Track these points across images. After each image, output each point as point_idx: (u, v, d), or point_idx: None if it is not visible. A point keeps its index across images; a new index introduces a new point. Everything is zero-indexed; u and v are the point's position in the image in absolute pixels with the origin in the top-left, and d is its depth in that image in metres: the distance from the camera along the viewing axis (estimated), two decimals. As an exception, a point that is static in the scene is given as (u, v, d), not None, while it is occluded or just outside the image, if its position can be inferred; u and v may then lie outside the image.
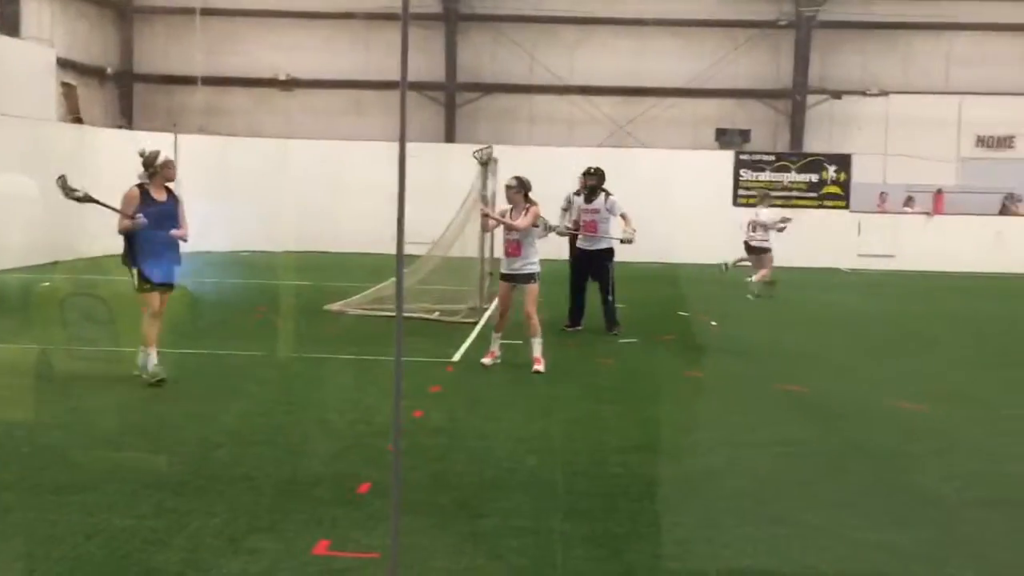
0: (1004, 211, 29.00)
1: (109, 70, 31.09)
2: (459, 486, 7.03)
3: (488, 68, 31.77)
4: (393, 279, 16.30)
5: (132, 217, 9.79)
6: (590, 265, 14.57)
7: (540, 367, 11.27)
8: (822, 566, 5.72)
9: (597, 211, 14.52)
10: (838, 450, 8.37)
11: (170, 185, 10.28)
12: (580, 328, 14.56)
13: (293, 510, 6.38)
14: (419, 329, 14.11)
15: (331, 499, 6.62)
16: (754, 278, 19.77)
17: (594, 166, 14.91)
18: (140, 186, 10.05)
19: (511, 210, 11.66)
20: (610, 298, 14.43)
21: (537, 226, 11.58)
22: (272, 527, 6.08)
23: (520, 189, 11.63)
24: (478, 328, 14.29)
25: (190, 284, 14.85)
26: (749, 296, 19.34)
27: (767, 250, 19.85)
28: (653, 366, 12.17)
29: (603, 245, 14.54)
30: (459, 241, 16.24)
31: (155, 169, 10.05)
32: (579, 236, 14.59)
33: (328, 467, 7.44)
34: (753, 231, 19.97)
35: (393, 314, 14.62)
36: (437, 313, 15.28)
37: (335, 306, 15.85)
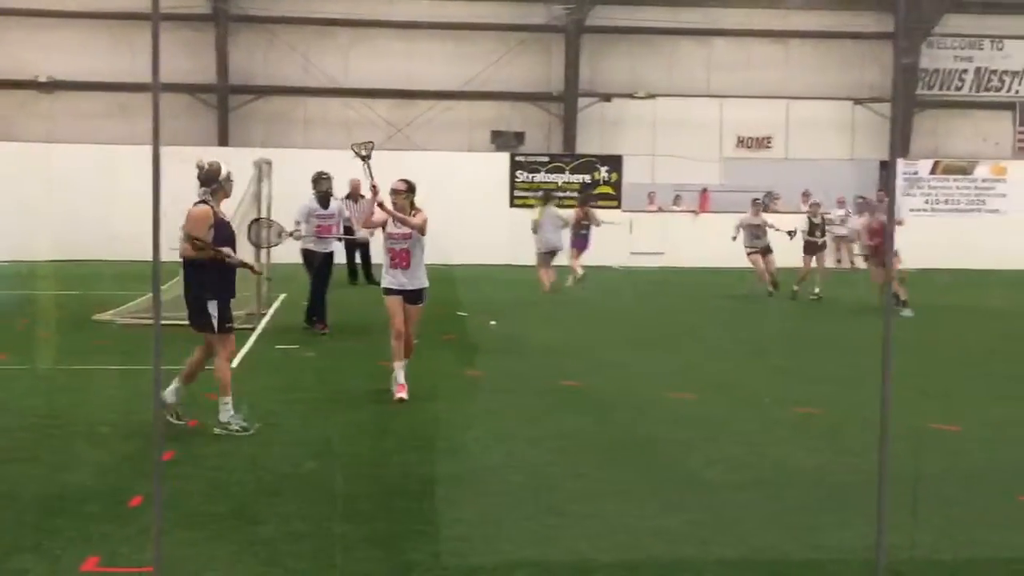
0: (764, 208, 30.43)
1: None
2: (236, 494, 6.91)
3: (261, 70, 31.21)
4: (166, 286, 15.86)
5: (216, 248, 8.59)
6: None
7: (404, 394, 9.98)
8: (596, 554, 5.89)
9: (332, 215, 15.02)
10: (611, 441, 8.63)
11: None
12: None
13: (60, 527, 6.12)
14: (195, 336, 13.72)
15: (101, 514, 6.39)
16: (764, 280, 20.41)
17: (324, 171, 15.32)
18: (204, 203, 8.77)
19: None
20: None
21: (424, 233, 10.60)
22: (37, 546, 5.83)
23: (409, 194, 10.75)
24: (256, 334, 14.05)
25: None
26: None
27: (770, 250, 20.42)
28: (433, 366, 12.21)
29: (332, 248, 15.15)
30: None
31: (219, 184, 8.88)
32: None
33: (98, 481, 7.17)
34: (756, 236, 20.56)
35: (166, 322, 14.29)
36: (212, 320, 14.89)
37: (104, 315, 15.26)
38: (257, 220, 13.57)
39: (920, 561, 5.83)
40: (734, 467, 7.81)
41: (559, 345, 14.09)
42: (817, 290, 19.82)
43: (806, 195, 30.28)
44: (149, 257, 4.27)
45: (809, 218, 21.20)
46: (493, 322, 15.97)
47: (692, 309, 19.45)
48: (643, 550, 6.00)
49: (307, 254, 14.85)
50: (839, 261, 29.41)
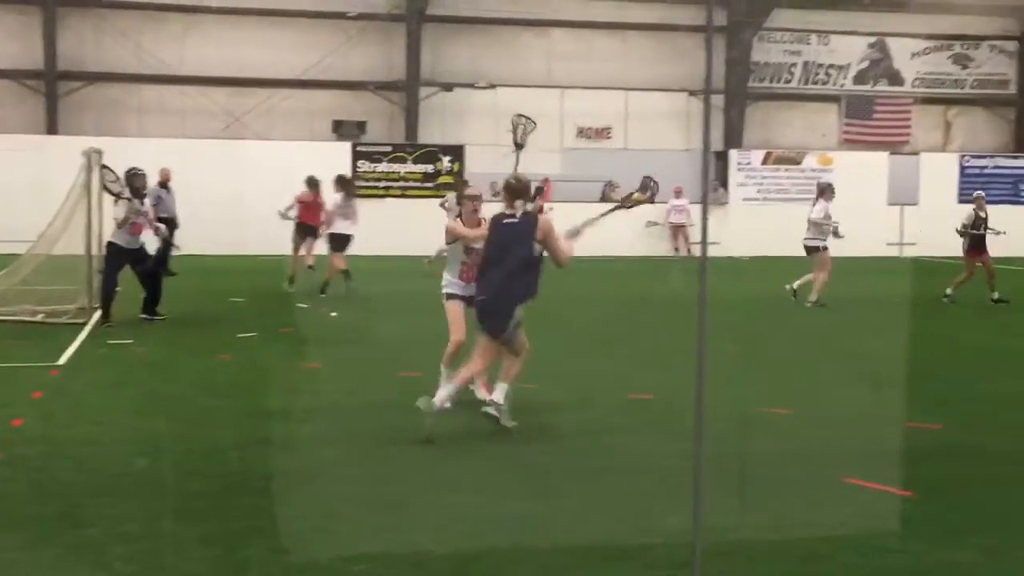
0: (604, 198, 30.90)
1: None
2: (63, 496, 6.68)
3: (92, 57, 30.18)
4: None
5: None
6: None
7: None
8: (435, 545, 5.90)
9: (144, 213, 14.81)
10: (451, 432, 8.61)
11: None
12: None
13: None
14: (21, 332, 13.32)
15: (-84, 521, 6.11)
16: (797, 283, 18.04)
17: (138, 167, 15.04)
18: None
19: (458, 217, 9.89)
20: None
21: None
22: None
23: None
24: (87, 329, 13.61)
25: None
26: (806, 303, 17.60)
27: (816, 249, 18.06)
28: (272, 359, 12.06)
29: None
30: (64, 238, 15.38)
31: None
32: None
33: (-88, 486, 6.85)
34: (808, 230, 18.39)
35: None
36: (41, 315, 14.42)
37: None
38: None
39: (747, 542, 6.02)
40: (571, 455, 7.92)
41: (401, 336, 14.03)
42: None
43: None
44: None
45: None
46: (334, 313, 15.83)
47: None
48: (481, 540, 6.04)
49: (121, 249, 14.46)
50: (676, 249, 30.15)
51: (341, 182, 19.53)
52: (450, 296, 9.70)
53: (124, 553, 5.67)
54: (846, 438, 8.63)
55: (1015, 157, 33.56)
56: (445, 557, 5.74)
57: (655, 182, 9.99)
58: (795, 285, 17.91)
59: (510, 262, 8.54)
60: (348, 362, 11.93)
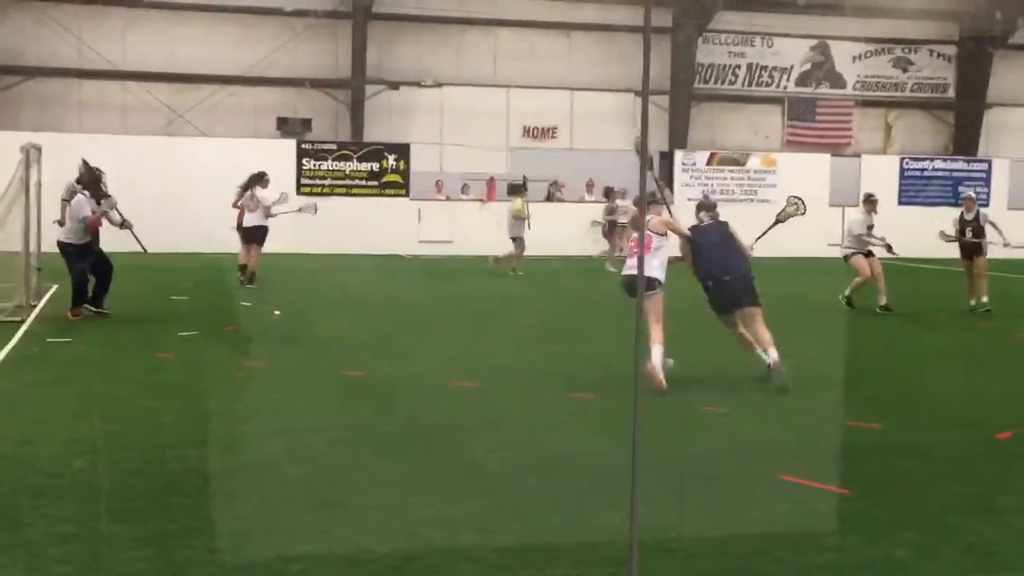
0: (550, 197, 31.01)
1: None
2: (-3, 496, 6.59)
3: (32, 51, 29.79)
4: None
5: None
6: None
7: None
8: (374, 545, 5.88)
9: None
10: (393, 431, 8.63)
11: None
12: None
13: None
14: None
15: None
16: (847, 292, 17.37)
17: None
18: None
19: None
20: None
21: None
22: None
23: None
24: (25, 327, 13.42)
25: None
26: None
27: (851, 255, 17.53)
28: (213, 358, 11.97)
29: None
30: (2, 234, 15.15)
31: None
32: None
33: None
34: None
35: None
36: (-24, 313, 14.20)
37: None
38: None
39: (688, 539, 6.06)
40: (514, 454, 7.93)
41: (344, 335, 14.00)
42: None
43: (590, 185, 31.01)
44: None
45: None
46: (277, 312, 15.73)
47: (477, 297, 19.65)
48: (421, 539, 6.03)
49: (74, 247, 14.60)
50: (621, 249, 30.24)
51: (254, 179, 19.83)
52: None
53: (60, 554, 5.61)
54: (783, 437, 8.72)
55: (954, 160, 34.10)
56: (384, 557, 5.73)
57: (800, 199, 12.39)
58: (846, 293, 17.21)
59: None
60: (291, 361, 11.86)
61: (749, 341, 10.86)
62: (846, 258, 17.63)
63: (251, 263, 19.31)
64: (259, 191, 19.59)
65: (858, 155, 33.27)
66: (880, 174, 31.96)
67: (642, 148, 4.42)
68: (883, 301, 17.07)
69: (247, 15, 30.64)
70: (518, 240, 23.14)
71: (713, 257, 10.87)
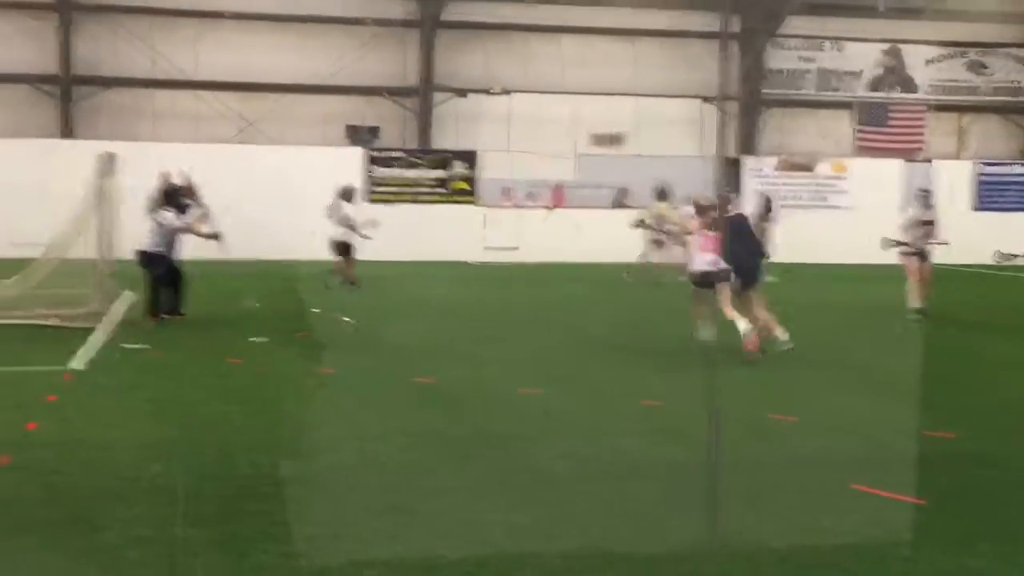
0: (617, 204, 30.92)
1: None
2: (75, 499, 6.73)
3: (108, 62, 30.33)
4: (3, 283, 15.33)
5: None
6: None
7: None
8: (445, 551, 5.93)
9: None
10: (462, 437, 8.68)
11: None
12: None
13: None
14: (35, 336, 13.40)
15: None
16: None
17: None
18: None
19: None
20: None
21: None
22: None
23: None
24: (100, 333, 13.69)
25: None
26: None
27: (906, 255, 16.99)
28: (284, 364, 12.11)
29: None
30: (80, 241, 15.48)
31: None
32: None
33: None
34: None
35: (4, 321, 13.84)
36: (55, 318, 14.50)
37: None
38: None
39: (755, 547, 6.03)
40: (580, 461, 7.94)
41: (413, 341, 14.09)
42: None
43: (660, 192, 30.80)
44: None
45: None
46: (347, 318, 15.87)
47: (543, 303, 19.66)
48: (490, 545, 6.07)
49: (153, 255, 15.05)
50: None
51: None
52: None
53: (138, 557, 5.72)
54: (854, 446, 8.64)
55: (1032, 164, 33.46)
56: (454, 562, 5.77)
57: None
58: (910, 306, 16.52)
59: None
60: (361, 367, 11.97)
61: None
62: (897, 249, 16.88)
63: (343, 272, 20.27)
64: (345, 205, 20.60)
65: (930, 160, 32.75)
66: (953, 179, 31.45)
67: (717, 151, 4.42)
68: (918, 304, 16.43)
69: (316, 24, 30.93)
70: (657, 244, 23.06)
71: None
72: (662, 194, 23.42)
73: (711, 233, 12.91)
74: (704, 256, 12.88)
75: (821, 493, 7.17)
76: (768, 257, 14.89)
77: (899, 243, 16.79)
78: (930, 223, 17.01)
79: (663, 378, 11.42)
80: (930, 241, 16.89)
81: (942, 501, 6.95)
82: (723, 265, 12.45)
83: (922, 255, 16.77)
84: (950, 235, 17.39)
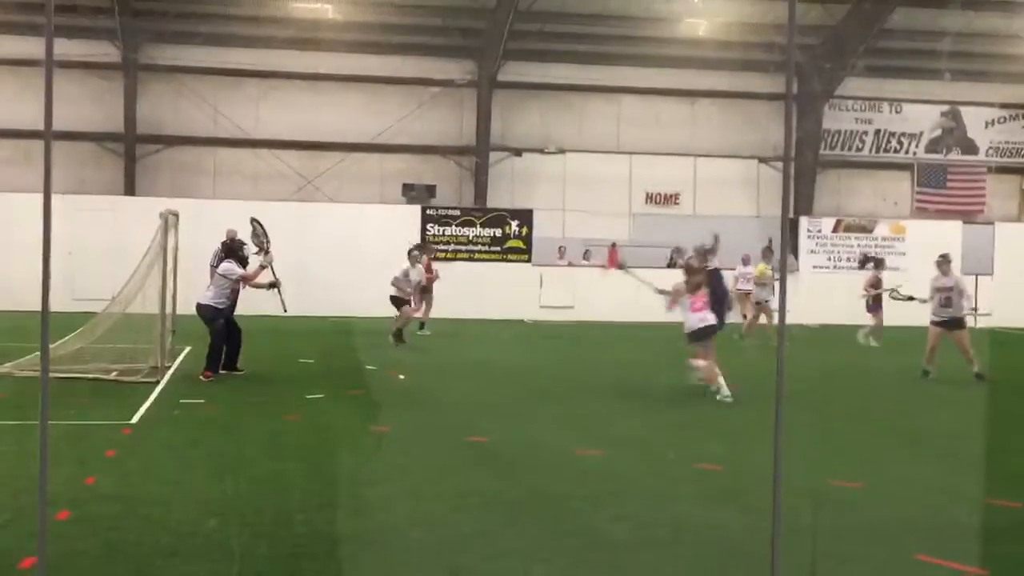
0: (672, 264, 30.83)
1: None
2: (134, 555, 6.75)
3: (170, 120, 30.96)
4: (66, 339, 15.56)
5: None
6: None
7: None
8: (499, 614, 5.87)
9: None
10: (517, 498, 8.61)
11: None
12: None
13: (-54, 592, 5.94)
14: (95, 390, 13.54)
15: (-10, 577, 6.21)
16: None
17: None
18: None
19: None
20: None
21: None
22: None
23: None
24: (159, 388, 13.82)
25: None
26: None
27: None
28: (339, 421, 12.13)
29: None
30: (140, 297, 15.69)
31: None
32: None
33: (-12, 542, 6.96)
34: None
35: (66, 375, 14.02)
36: (115, 373, 14.68)
37: (1, 368, 14.91)
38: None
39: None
40: (638, 524, 7.84)
41: (468, 399, 14.07)
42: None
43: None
44: (51, 308, 4.20)
45: None
46: (402, 376, 15.90)
47: (600, 363, 19.56)
48: (546, 610, 6.00)
49: (216, 310, 15.08)
50: (744, 316, 29.90)
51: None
52: None
53: (192, 614, 5.71)
54: (918, 514, 8.46)
55: (1094, 227, 32.97)
56: (510, 627, 5.71)
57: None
58: (975, 370, 16.31)
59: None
60: (415, 425, 11.95)
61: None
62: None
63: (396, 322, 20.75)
64: (405, 264, 21.47)
65: (991, 223, 32.39)
66: (1015, 241, 31.08)
67: (783, 211, 4.39)
68: (975, 368, 16.18)
69: (374, 84, 31.38)
70: (761, 304, 23.08)
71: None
72: (765, 253, 23.56)
73: (700, 292, 14.44)
74: (697, 314, 14.38)
75: (885, 563, 7.02)
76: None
77: (910, 298, 17.02)
78: (948, 289, 16.52)
79: (722, 442, 11.28)
80: (949, 309, 16.38)
81: (1007, 572, 6.78)
82: (711, 320, 14.37)
83: (944, 323, 16.36)
84: (1010, 296, 17.12)
